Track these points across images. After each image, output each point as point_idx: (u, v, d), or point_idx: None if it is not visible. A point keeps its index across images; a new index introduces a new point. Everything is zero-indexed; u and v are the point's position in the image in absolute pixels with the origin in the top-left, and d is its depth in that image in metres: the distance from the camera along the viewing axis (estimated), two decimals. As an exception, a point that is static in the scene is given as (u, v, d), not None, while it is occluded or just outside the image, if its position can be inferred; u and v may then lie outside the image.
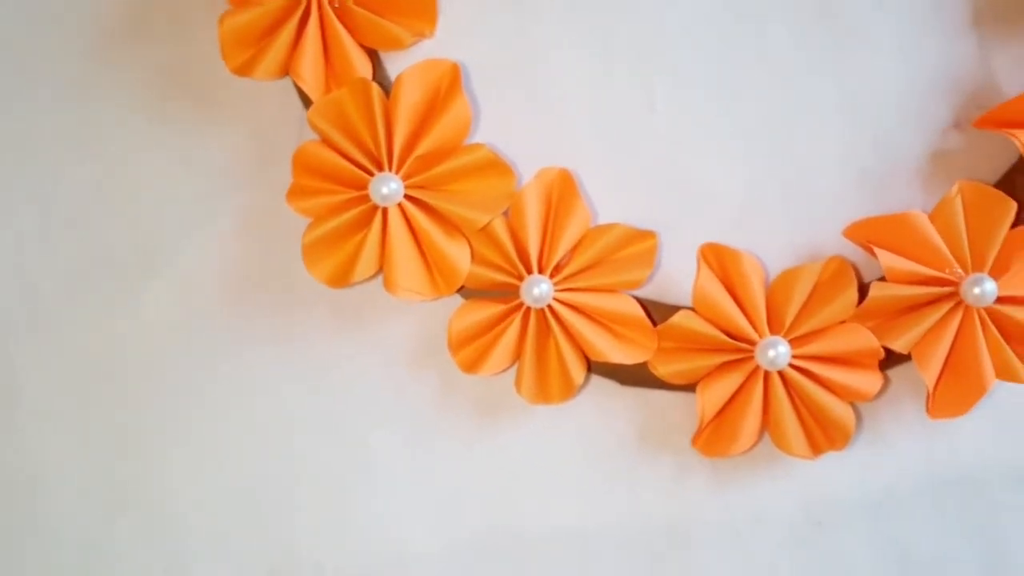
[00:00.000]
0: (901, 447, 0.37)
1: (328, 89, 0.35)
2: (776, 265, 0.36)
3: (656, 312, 0.36)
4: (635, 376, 0.36)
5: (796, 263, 0.36)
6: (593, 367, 0.36)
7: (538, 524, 0.37)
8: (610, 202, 0.36)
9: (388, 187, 0.33)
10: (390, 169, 0.33)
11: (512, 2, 0.36)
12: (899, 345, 0.34)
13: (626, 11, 0.36)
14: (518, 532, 0.37)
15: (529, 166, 0.35)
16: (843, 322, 0.34)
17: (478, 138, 0.36)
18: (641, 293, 0.36)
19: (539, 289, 0.34)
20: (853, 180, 0.36)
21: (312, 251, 0.34)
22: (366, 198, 0.33)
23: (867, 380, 0.34)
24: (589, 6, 0.36)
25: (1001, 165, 0.36)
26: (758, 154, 0.36)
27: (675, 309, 0.35)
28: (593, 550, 0.37)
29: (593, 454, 0.37)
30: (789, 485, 0.37)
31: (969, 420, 0.36)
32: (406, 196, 0.34)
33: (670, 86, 0.36)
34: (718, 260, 0.35)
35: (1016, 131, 0.34)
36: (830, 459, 0.36)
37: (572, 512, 0.37)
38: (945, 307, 0.34)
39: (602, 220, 0.36)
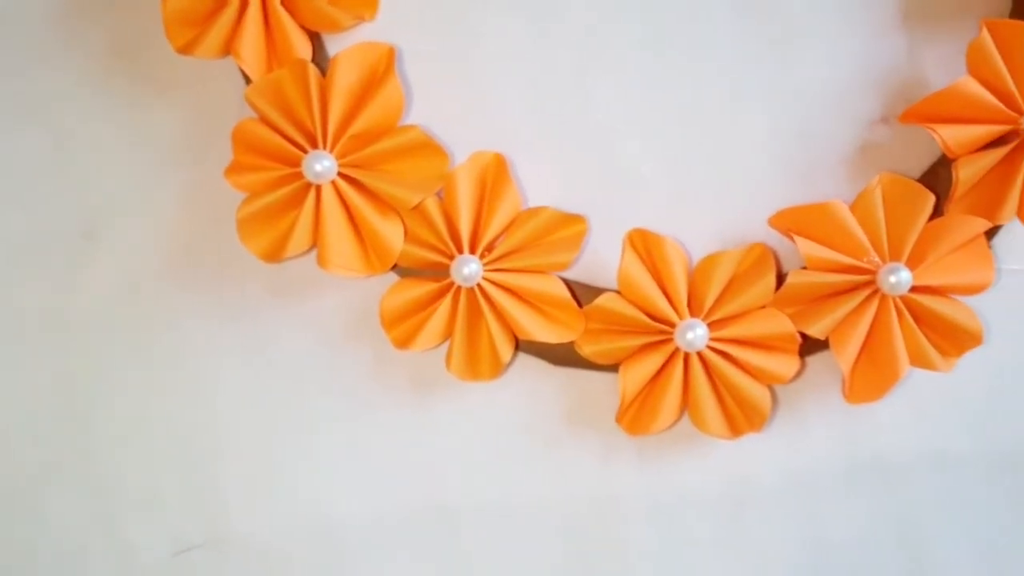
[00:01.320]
0: (822, 430, 0.38)
1: (270, 69, 0.35)
2: (703, 251, 0.37)
3: (586, 294, 0.37)
4: (565, 356, 0.37)
5: (724, 249, 0.37)
6: (524, 347, 0.37)
7: (467, 498, 0.38)
8: (543, 186, 0.37)
9: (321, 164, 0.34)
10: (324, 147, 0.34)
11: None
12: (815, 331, 0.35)
13: (564, 0, 0.37)
14: (447, 506, 0.38)
15: (465, 150, 0.36)
16: (763, 307, 0.35)
17: (415, 120, 0.37)
18: (572, 275, 0.37)
19: (469, 268, 0.35)
20: (781, 170, 0.37)
21: (246, 226, 0.35)
22: (300, 175, 0.34)
23: (784, 363, 0.35)
24: (528, -6, 0.37)
25: (927, 158, 0.37)
26: (689, 143, 0.37)
27: (604, 291, 0.36)
28: (520, 525, 0.38)
29: (523, 431, 0.38)
30: (712, 465, 0.38)
31: (887, 405, 0.37)
32: (340, 174, 0.35)
33: (605, 74, 0.37)
34: (644, 245, 0.36)
35: (936, 125, 0.35)
36: (753, 441, 0.37)
37: (500, 487, 0.38)
38: (862, 295, 0.35)
39: (535, 203, 0.37)
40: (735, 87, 0.37)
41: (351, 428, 0.38)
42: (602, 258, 0.37)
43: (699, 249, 0.37)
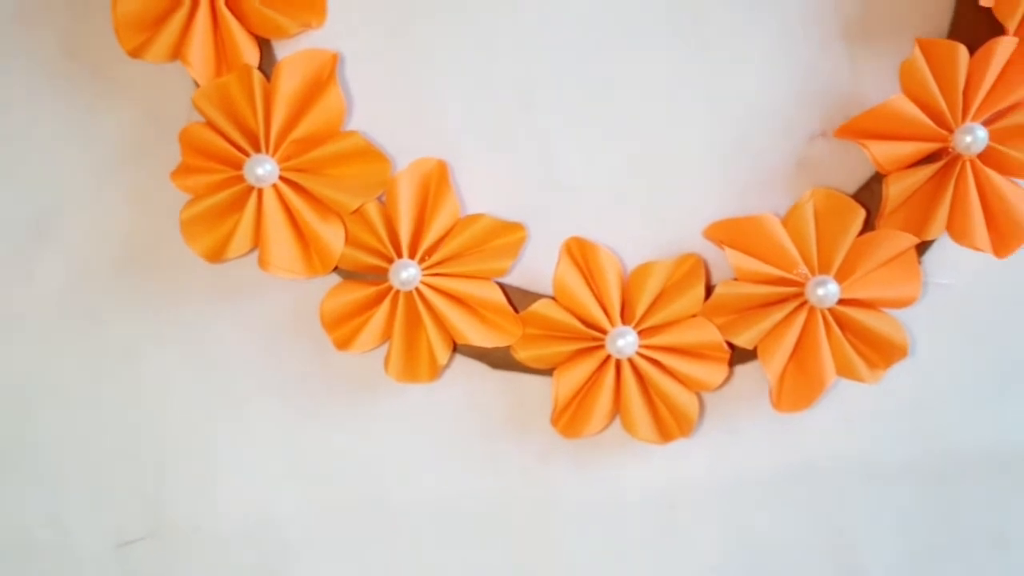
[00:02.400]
0: (754, 437, 0.38)
1: (219, 73, 0.36)
2: (641, 259, 0.38)
3: (524, 299, 0.37)
4: (504, 360, 0.38)
5: (662, 258, 0.37)
6: (465, 350, 0.38)
7: (404, 496, 0.39)
8: (484, 193, 0.38)
9: (263, 168, 0.35)
10: (267, 152, 0.35)
11: (400, -2, 0.38)
12: (743, 341, 0.36)
13: (507, 11, 0.38)
14: (386, 503, 0.39)
15: (410, 156, 0.37)
16: (693, 316, 0.36)
17: (363, 126, 0.38)
18: (512, 281, 0.38)
19: (407, 273, 0.36)
20: (719, 182, 0.38)
21: (190, 227, 0.36)
22: (242, 178, 0.35)
23: (711, 371, 0.36)
24: (473, 5, 0.38)
25: (864, 173, 0.38)
26: (629, 153, 0.38)
27: (541, 297, 0.37)
28: (456, 523, 0.39)
29: (461, 431, 0.39)
30: (647, 469, 0.39)
31: (818, 414, 0.38)
32: (282, 178, 0.35)
33: (547, 84, 0.38)
34: (580, 253, 0.36)
35: (868, 142, 0.36)
36: (687, 445, 0.38)
37: (439, 486, 0.39)
38: (790, 307, 0.36)
39: (476, 210, 0.38)
40: (675, 99, 0.38)
41: (293, 425, 0.39)
42: (541, 264, 0.38)
43: (637, 257, 0.38)
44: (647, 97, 0.38)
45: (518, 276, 0.38)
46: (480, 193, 0.38)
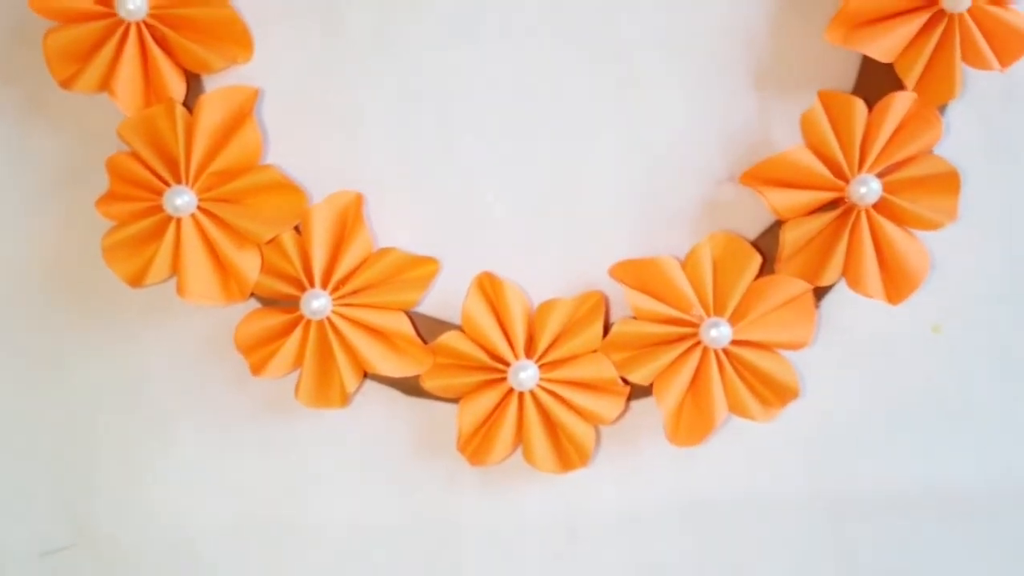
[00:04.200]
0: (655, 470, 0.40)
1: (147, 104, 0.38)
2: (552, 294, 0.39)
3: (440, 328, 0.39)
4: (416, 387, 0.39)
5: (574, 293, 0.39)
6: (379, 377, 0.39)
7: (318, 517, 0.40)
8: (405, 226, 0.40)
9: (181, 199, 0.36)
10: (187, 183, 0.37)
11: (325, 34, 0.39)
12: (638, 377, 0.37)
13: (430, 47, 0.39)
14: (300, 523, 0.40)
15: (332, 188, 0.39)
16: (594, 352, 0.38)
17: (286, 159, 0.39)
18: (431, 311, 0.39)
19: (317, 302, 0.37)
20: (631, 222, 0.40)
21: (111, 252, 0.37)
22: (162, 208, 0.37)
23: (608, 405, 0.37)
24: (395, 41, 0.39)
25: (769, 217, 0.39)
26: (546, 192, 0.40)
27: (455, 327, 0.39)
28: (368, 545, 0.40)
29: (375, 456, 0.40)
30: (551, 497, 0.40)
31: (716, 449, 0.39)
32: (201, 208, 0.37)
33: (467, 121, 0.39)
34: (490, 287, 0.38)
35: (766, 189, 0.37)
36: (590, 476, 0.39)
37: (350, 509, 0.40)
38: (684, 346, 0.37)
39: (399, 242, 0.39)
40: (591, 139, 0.39)
41: (215, 443, 0.40)
42: (458, 296, 0.39)
43: (551, 291, 0.39)
44: (565, 137, 0.39)
45: (438, 306, 0.40)
46: (401, 226, 0.40)
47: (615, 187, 0.39)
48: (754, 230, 0.39)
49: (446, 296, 0.39)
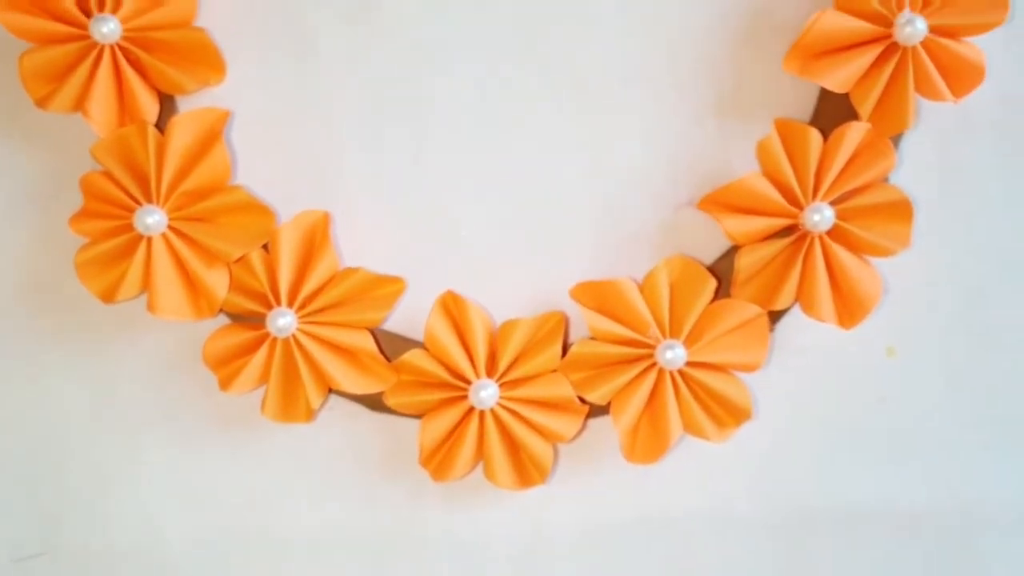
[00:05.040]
0: (614, 487, 0.41)
1: (121, 124, 0.39)
2: (515, 313, 0.40)
3: (405, 345, 0.40)
4: (380, 403, 0.40)
5: (537, 312, 0.40)
6: (345, 392, 0.40)
7: (286, 529, 0.41)
8: (374, 245, 0.41)
9: (152, 218, 0.37)
10: (157, 202, 0.38)
11: (297, 57, 0.40)
12: (595, 397, 0.38)
13: (399, 69, 0.40)
14: (267, 534, 0.41)
15: (302, 208, 0.40)
16: (553, 371, 0.39)
17: (257, 178, 0.40)
18: (398, 329, 0.40)
19: (283, 320, 0.38)
20: (592, 244, 0.41)
21: (84, 269, 0.38)
22: (133, 227, 0.38)
23: (567, 424, 0.38)
24: (365, 65, 0.40)
25: (727, 241, 0.40)
26: (509, 212, 0.41)
27: (421, 344, 0.40)
28: (334, 557, 0.41)
29: (341, 469, 0.41)
30: (514, 512, 0.41)
31: (674, 467, 0.40)
32: (171, 227, 0.38)
33: (434, 144, 0.40)
34: (454, 306, 0.39)
35: (722, 215, 0.38)
36: (552, 492, 0.40)
37: (317, 521, 0.41)
38: (641, 367, 0.38)
39: (367, 261, 0.40)
40: (555, 163, 0.40)
41: (184, 454, 0.41)
42: (424, 314, 0.40)
43: (513, 310, 0.40)
44: (529, 161, 0.40)
45: (403, 324, 0.41)
46: (369, 245, 0.41)
47: (578, 210, 0.40)
48: (713, 253, 0.40)
49: (412, 313, 0.40)
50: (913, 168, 0.40)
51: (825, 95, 0.39)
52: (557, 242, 0.40)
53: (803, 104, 0.40)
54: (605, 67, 0.40)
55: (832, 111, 0.39)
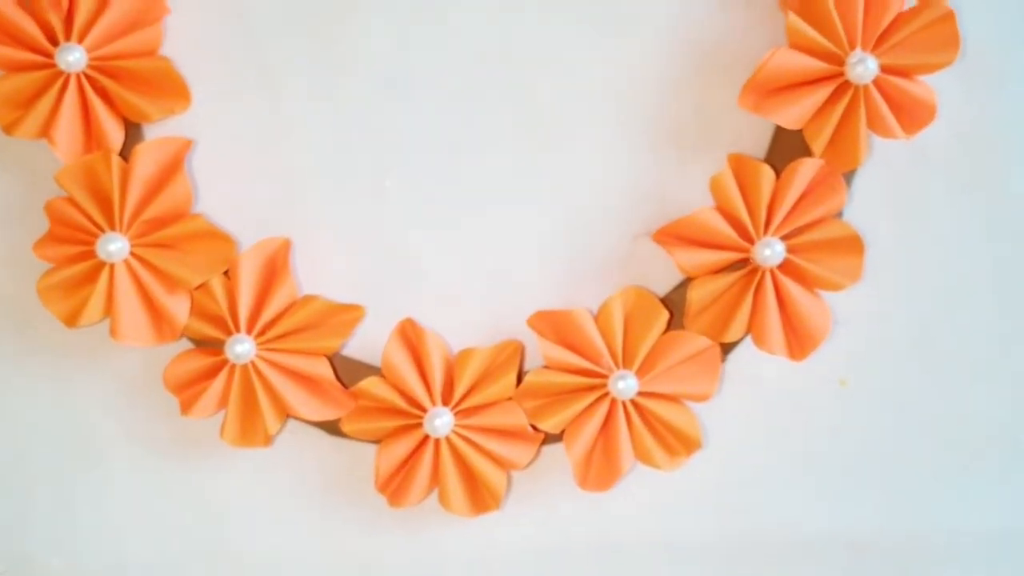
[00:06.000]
0: (569, 513, 0.41)
1: (87, 150, 0.39)
2: (474, 341, 0.41)
3: (367, 372, 0.40)
4: (337, 427, 0.41)
5: (494, 341, 0.40)
6: (303, 418, 0.41)
7: (245, 551, 0.42)
8: (334, 272, 0.41)
9: (114, 245, 0.38)
10: (120, 230, 0.38)
11: (260, 86, 0.41)
12: (548, 426, 0.39)
13: (361, 100, 0.41)
14: (227, 556, 0.42)
15: (263, 235, 0.40)
16: (509, 399, 0.39)
17: (220, 206, 0.41)
18: (359, 355, 0.41)
19: (241, 347, 0.39)
20: (551, 273, 0.41)
21: (47, 294, 0.39)
22: (95, 253, 0.38)
23: (520, 452, 0.39)
24: (328, 96, 0.41)
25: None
26: (469, 242, 0.41)
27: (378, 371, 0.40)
28: (292, 576, 0.42)
29: (300, 493, 0.42)
30: (468, 537, 0.42)
31: (627, 494, 0.41)
32: (133, 254, 0.39)
33: (396, 175, 0.41)
34: (413, 334, 0.39)
35: (674, 248, 0.39)
36: (507, 518, 0.41)
37: (275, 544, 0.42)
38: (594, 396, 0.39)
39: (326, 288, 0.41)
40: (513, 192, 0.41)
41: (146, 477, 0.42)
42: (383, 340, 0.41)
43: (472, 339, 0.41)
44: (489, 189, 0.41)
45: (364, 350, 0.41)
46: (331, 272, 0.41)
47: (537, 239, 0.41)
48: (670, 284, 0.41)
49: (373, 339, 0.41)
50: (867, 202, 0.41)
51: (782, 129, 0.40)
52: (516, 271, 0.41)
53: (761, 137, 0.41)
54: (565, 99, 0.41)
55: (789, 145, 0.40)
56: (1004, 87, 0.41)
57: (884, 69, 0.38)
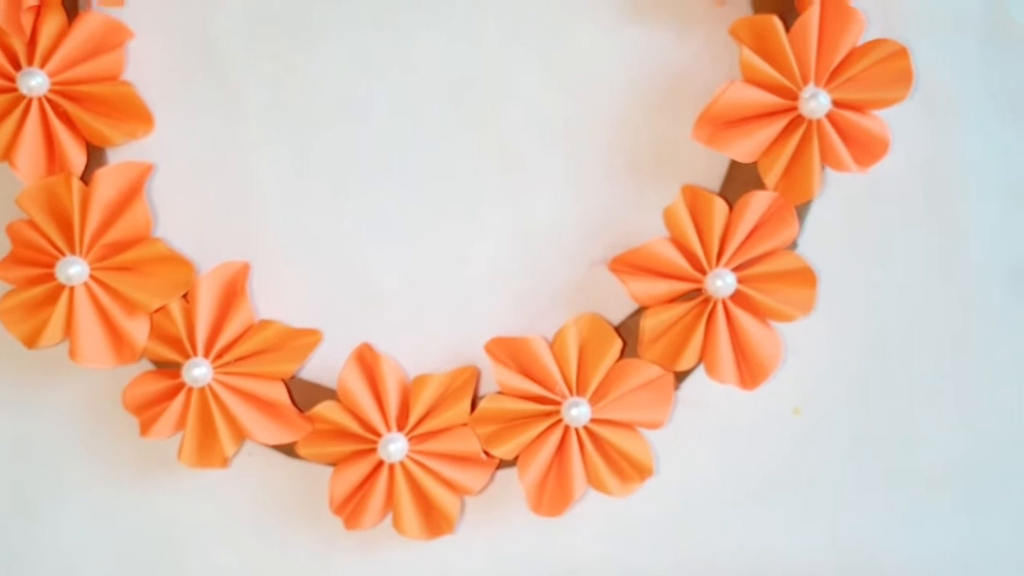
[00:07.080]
0: (526, 538, 0.42)
1: (49, 173, 0.40)
2: (432, 366, 0.41)
3: (321, 396, 0.41)
4: (295, 450, 0.41)
5: (452, 366, 0.41)
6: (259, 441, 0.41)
7: (202, 569, 0.42)
8: (293, 296, 0.42)
9: (73, 268, 0.38)
10: (80, 253, 0.39)
11: (222, 111, 0.41)
12: (502, 452, 0.39)
13: (323, 123, 0.41)
14: (183, 574, 0.42)
15: (222, 259, 0.41)
16: (464, 425, 0.40)
17: (179, 230, 0.41)
18: (312, 378, 0.41)
19: (198, 371, 0.39)
20: (509, 299, 0.42)
21: (7, 315, 0.39)
22: (55, 276, 0.39)
23: (474, 477, 0.40)
24: (288, 118, 0.41)
25: (638, 301, 0.41)
26: (430, 268, 0.42)
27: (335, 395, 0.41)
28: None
29: (256, 513, 0.42)
30: (426, 560, 0.42)
31: (583, 519, 0.41)
32: (93, 277, 0.39)
33: (356, 198, 0.42)
34: (371, 360, 0.40)
35: (627, 277, 0.39)
36: (463, 541, 0.41)
37: (232, 564, 0.42)
38: (547, 422, 0.39)
39: (285, 312, 0.41)
40: (473, 219, 0.42)
41: (106, 494, 0.42)
42: (341, 364, 0.41)
43: (430, 364, 0.41)
44: (448, 216, 0.42)
45: (322, 373, 0.42)
46: (290, 296, 0.42)
47: (496, 265, 0.42)
48: (627, 311, 0.41)
49: (331, 363, 0.41)
50: (821, 233, 0.42)
51: (737, 161, 0.40)
52: (474, 298, 0.42)
53: (718, 168, 0.41)
54: (525, 127, 0.41)
55: (745, 177, 0.40)
56: (958, 120, 0.42)
57: (837, 104, 0.39)
